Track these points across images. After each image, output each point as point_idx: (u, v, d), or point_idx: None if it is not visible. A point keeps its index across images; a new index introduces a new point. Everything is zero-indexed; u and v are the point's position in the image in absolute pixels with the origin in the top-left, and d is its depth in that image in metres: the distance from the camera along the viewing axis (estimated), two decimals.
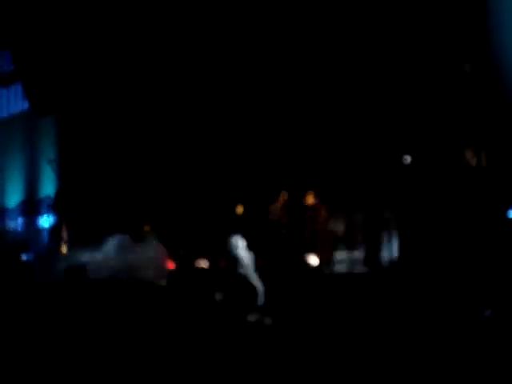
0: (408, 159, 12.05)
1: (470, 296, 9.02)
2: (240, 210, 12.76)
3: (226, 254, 11.07)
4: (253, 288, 10.44)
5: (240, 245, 10.90)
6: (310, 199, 12.69)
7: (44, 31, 17.72)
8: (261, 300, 10.47)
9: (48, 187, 18.38)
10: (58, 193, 17.19)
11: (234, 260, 10.82)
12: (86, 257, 12.93)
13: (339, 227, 12.82)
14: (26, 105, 19.76)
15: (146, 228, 15.04)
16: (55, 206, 16.87)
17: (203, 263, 13.14)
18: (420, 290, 9.70)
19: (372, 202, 12.41)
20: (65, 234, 15.97)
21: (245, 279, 10.57)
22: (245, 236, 10.98)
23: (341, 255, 12.44)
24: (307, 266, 11.63)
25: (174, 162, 16.56)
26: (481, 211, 10.11)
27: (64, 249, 15.77)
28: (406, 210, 11.39)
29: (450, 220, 10.28)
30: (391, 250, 11.89)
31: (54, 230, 16.73)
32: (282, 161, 14.57)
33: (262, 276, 10.76)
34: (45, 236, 18.43)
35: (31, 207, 19.58)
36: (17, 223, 19.89)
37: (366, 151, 13.47)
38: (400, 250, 11.60)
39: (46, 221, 18.53)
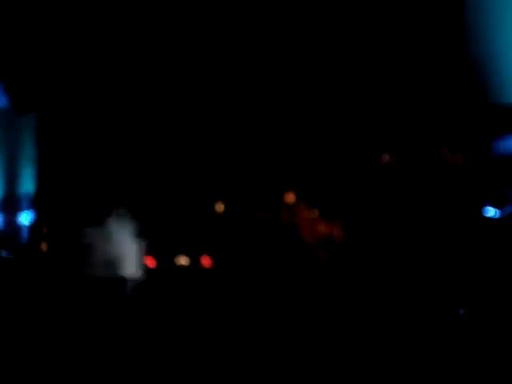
0: (387, 157, 12.19)
1: (444, 295, 9.16)
2: (220, 208, 12.90)
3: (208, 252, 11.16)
4: None
5: None
6: (289, 198, 12.98)
7: (24, 25, 17.71)
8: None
9: (27, 184, 18.37)
10: (38, 189, 17.21)
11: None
12: None
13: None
14: (4, 101, 19.74)
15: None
16: (35, 203, 16.89)
17: (183, 261, 13.22)
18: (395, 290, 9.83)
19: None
20: (45, 231, 15.99)
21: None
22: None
23: None
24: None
25: (155, 158, 16.67)
26: (457, 210, 10.27)
27: (44, 246, 15.79)
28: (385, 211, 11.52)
29: (426, 219, 10.42)
30: None
31: (34, 226, 16.75)
32: (264, 159, 14.80)
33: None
34: (25, 233, 18.45)
35: (10, 204, 19.57)
36: None
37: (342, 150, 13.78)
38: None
39: (25, 218, 18.54)
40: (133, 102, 17.00)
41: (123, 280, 11.32)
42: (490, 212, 10.69)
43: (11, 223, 19.28)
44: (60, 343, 8.21)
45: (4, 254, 16.14)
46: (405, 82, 12.74)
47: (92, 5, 16.55)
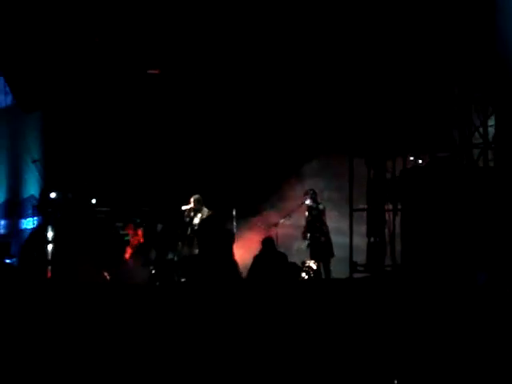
0: (419, 161, 12.10)
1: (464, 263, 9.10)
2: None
3: None
4: None
5: None
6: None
7: (29, 21, 17.61)
8: None
9: (32, 187, 18.25)
10: (43, 193, 17.07)
11: None
12: None
13: None
14: (9, 99, 19.64)
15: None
16: (40, 207, 16.75)
17: None
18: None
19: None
20: (49, 236, 15.86)
21: None
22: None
23: None
24: None
25: (160, 159, 16.69)
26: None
27: (50, 251, 15.66)
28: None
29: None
30: None
31: (38, 231, 16.61)
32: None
33: None
34: (28, 238, 18.31)
35: (14, 208, 19.45)
36: None
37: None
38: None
39: (29, 222, 18.41)
40: (141, 101, 16.98)
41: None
42: None
43: (14, 228, 19.16)
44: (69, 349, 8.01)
45: (7, 259, 16.00)
46: (435, 85, 12.77)
47: (97, 4, 16.54)
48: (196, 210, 14.75)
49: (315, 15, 14.64)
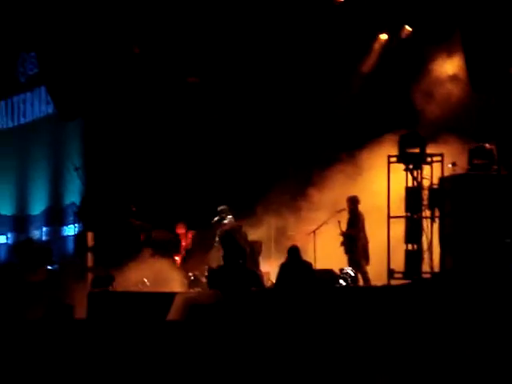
0: (453, 164, 12.05)
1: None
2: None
3: None
4: None
5: None
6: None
7: (70, 33, 17.86)
8: None
9: (73, 194, 18.45)
10: (84, 200, 17.25)
11: None
12: None
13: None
14: (51, 109, 19.91)
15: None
16: (81, 214, 16.92)
17: None
18: None
19: None
20: (91, 244, 16.01)
21: None
22: None
23: None
24: None
25: (199, 168, 16.82)
26: None
27: (90, 259, 15.82)
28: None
29: None
30: None
31: (80, 239, 16.79)
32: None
33: None
34: (70, 246, 18.53)
35: (56, 215, 19.68)
36: (41, 231, 20.02)
37: None
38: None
39: (71, 229, 18.61)
40: (179, 109, 17.13)
41: None
42: None
43: (56, 235, 19.38)
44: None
45: (50, 266, 16.21)
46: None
47: (137, 14, 16.76)
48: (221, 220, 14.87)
49: None
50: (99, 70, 17.58)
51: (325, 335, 8.69)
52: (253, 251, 12.88)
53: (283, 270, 11.31)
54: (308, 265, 11.29)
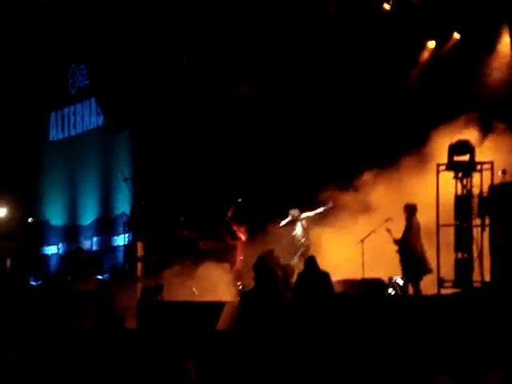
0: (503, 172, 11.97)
1: None
2: None
3: None
4: None
5: None
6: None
7: (119, 45, 18.13)
8: None
9: (123, 204, 18.64)
10: (134, 210, 17.42)
11: None
12: None
13: None
14: (100, 120, 20.21)
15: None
16: (131, 224, 17.09)
17: None
18: None
19: None
20: (140, 254, 16.16)
21: None
22: None
23: None
24: None
25: (247, 176, 16.90)
26: None
27: (139, 268, 15.97)
28: None
29: None
30: None
31: (130, 249, 16.96)
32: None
33: None
34: (120, 255, 18.73)
35: (106, 225, 19.91)
36: (91, 241, 20.28)
37: None
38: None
39: (121, 239, 18.81)
40: (227, 118, 17.25)
41: None
42: None
43: (106, 245, 19.60)
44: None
45: (100, 275, 16.41)
46: None
47: (185, 25, 16.96)
48: (294, 222, 15.18)
49: None
50: (148, 82, 17.80)
51: (365, 345, 8.69)
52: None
53: (300, 279, 11.37)
54: (325, 275, 11.28)
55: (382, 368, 7.78)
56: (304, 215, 15.24)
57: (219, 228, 15.76)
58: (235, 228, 15.53)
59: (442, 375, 6.99)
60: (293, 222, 15.29)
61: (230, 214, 15.66)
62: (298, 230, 15.24)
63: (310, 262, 11.32)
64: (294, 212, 15.30)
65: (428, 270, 12.99)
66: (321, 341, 9.25)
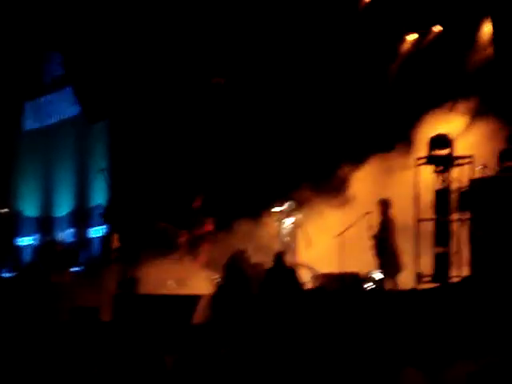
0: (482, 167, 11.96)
1: None
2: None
3: None
4: None
5: None
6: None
7: (96, 32, 17.97)
8: None
9: (99, 196, 18.51)
10: (110, 202, 17.32)
11: None
12: None
13: None
14: (76, 110, 20.02)
15: None
16: (106, 216, 16.99)
17: None
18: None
19: None
20: (116, 245, 16.06)
21: None
22: None
23: None
24: None
25: (227, 168, 16.83)
26: None
27: (115, 261, 15.86)
28: None
29: None
30: None
31: (105, 241, 16.86)
32: None
33: None
34: (96, 247, 18.61)
35: (82, 217, 19.76)
36: (67, 233, 20.11)
37: None
38: None
39: (97, 231, 18.69)
40: (205, 110, 17.18)
41: None
42: None
43: (82, 237, 19.46)
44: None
45: (76, 268, 16.31)
46: None
47: (162, 13, 16.82)
48: (287, 214, 14.89)
49: None
50: (125, 72, 17.67)
51: (343, 340, 8.66)
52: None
53: (267, 275, 11.39)
54: (291, 270, 11.32)
55: (352, 360, 7.76)
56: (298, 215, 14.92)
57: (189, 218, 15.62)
58: (202, 218, 15.36)
59: (410, 367, 6.97)
60: (285, 214, 14.98)
61: (197, 203, 15.50)
62: (286, 225, 14.87)
63: (278, 258, 11.37)
64: (291, 204, 14.96)
65: (401, 268, 13.07)
66: (290, 334, 9.23)
